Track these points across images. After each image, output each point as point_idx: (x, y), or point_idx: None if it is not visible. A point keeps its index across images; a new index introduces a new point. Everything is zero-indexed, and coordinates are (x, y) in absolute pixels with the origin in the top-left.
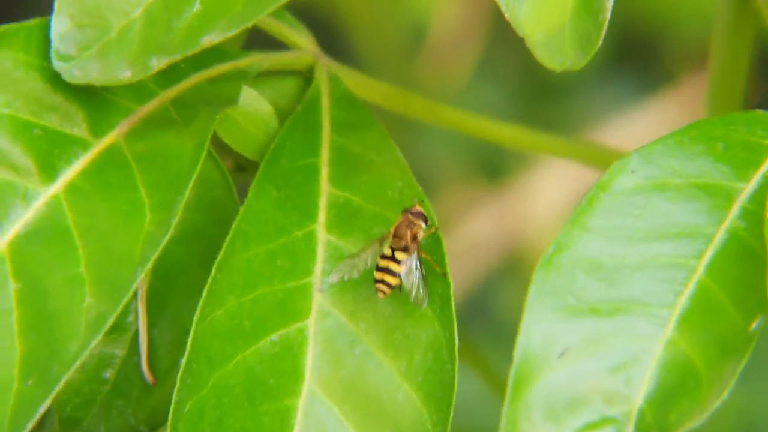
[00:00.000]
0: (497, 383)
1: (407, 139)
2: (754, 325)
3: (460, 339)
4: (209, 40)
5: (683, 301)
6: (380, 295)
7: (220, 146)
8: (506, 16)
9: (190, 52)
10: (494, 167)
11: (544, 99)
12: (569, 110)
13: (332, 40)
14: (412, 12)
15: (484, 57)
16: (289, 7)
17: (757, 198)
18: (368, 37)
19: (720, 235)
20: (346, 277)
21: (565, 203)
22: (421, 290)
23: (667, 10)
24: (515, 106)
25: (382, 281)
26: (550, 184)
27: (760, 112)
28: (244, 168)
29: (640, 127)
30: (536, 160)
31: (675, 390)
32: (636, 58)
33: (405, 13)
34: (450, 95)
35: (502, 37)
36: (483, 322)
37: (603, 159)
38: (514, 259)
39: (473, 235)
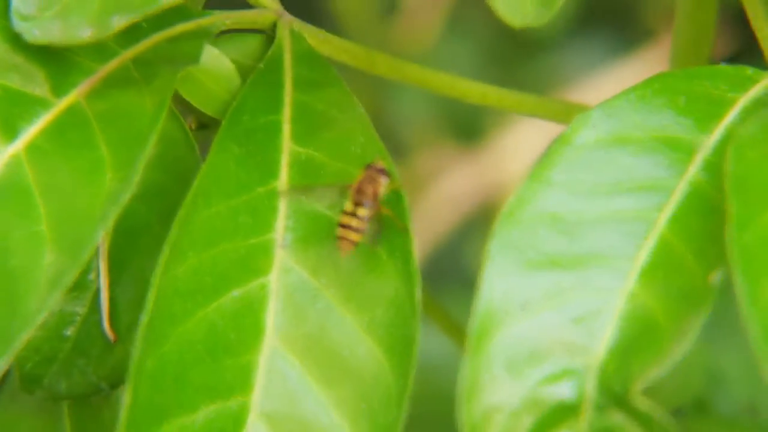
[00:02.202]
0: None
1: (382, 100)
2: (713, 278)
3: (430, 296)
4: None
5: (644, 254)
6: (343, 251)
7: (182, 105)
8: None
9: (150, 11)
10: (468, 127)
11: (517, 58)
12: (543, 69)
13: (302, 2)
14: None
15: (455, 17)
16: None
17: (719, 151)
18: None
19: (681, 188)
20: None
21: None
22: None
23: None
24: (488, 66)
25: (345, 238)
26: (523, 143)
27: (723, 65)
28: (206, 126)
29: (615, 85)
30: (510, 120)
31: (636, 342)
32: (611, 17)
33: None
34: (422, 56)
35: None
36: (458, 280)
37: (573, 116)
38: (489, 217)
39: (448, 194)
